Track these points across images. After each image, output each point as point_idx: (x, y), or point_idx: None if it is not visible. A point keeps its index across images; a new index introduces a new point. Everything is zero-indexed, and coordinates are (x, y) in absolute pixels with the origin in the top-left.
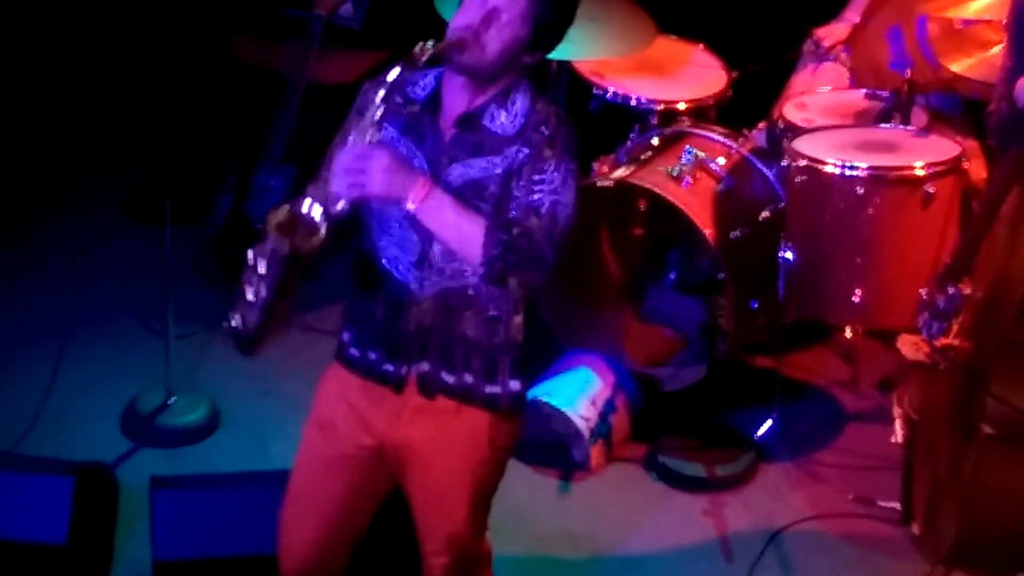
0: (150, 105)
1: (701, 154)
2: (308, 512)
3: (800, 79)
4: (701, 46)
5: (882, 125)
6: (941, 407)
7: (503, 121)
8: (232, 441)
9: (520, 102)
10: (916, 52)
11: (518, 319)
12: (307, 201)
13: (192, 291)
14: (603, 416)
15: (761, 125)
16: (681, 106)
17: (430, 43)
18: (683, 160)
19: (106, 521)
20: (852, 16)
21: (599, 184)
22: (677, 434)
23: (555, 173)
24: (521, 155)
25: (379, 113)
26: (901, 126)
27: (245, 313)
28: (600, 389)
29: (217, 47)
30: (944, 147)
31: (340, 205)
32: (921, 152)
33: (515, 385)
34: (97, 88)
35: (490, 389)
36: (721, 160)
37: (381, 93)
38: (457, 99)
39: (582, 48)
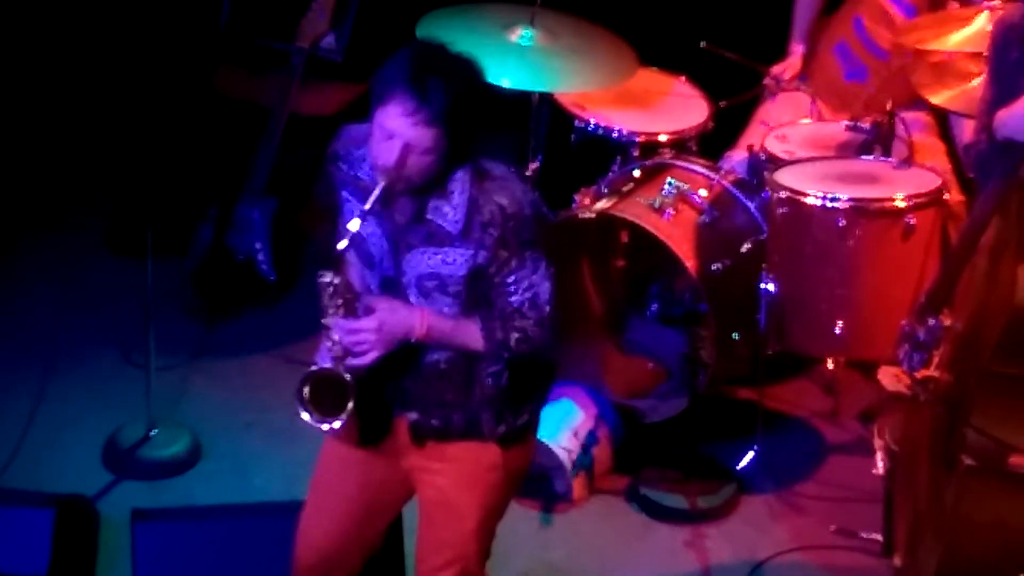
0: (131, 137)
1: (683, 186)
2: (327, 510)
3: (764, 110)
4: (683, 78)
5: (863, 157)
6: (922, 439)
7: (446, 212)
8: (214, 473)
9: (457, 194)
10: (865, 55)
11: (490, 384)
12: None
13: (173, 323)
14: (585, 448)
15: (729, 154)
16: (663, 138)
17: (370, 200)
18: (665, 192)
19: (87, 554)
20: (798, 47)
21: (581, 216)
22: (659, 466)
23: (520, 271)
24: (480, 257)
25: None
26: (882, 158)
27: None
28: (582, 421)
29: (199, 79)
30: (925, 179)
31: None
32: (902, 184)
33: (502, 429)
34: (78, 120)
35: (476, 434)
36: (703, 192)
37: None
38: (377, 175)
39: (564, 80)
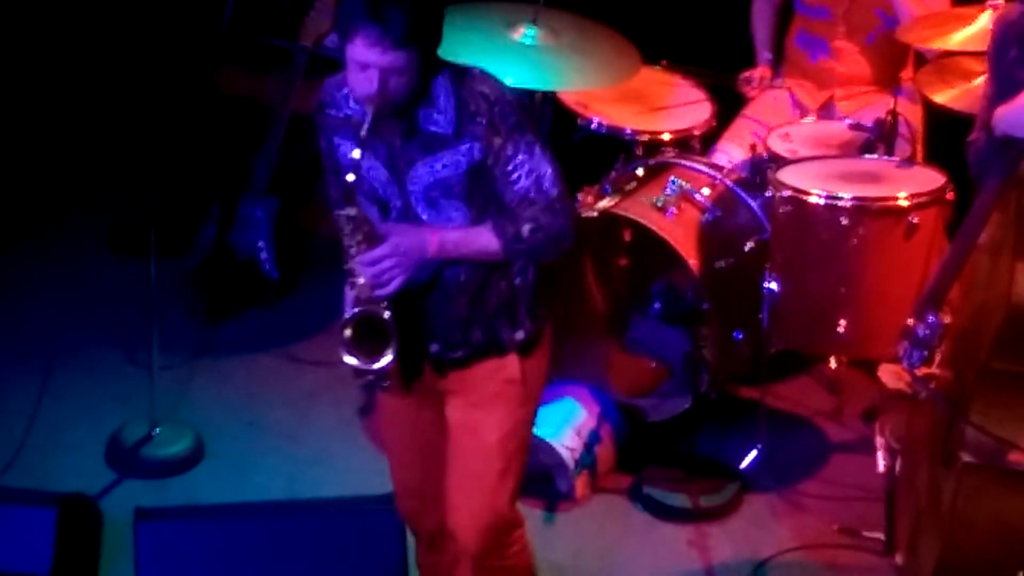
0: (134, 136)
1: (686, 185)
2: (404, 460)
3: (748, 107)
4: (686, 77)
5: (866, 156)
6: (922, 436)
7: (437, 118)
8: (216, 472)
9: (443, 98)
10: (817, 27)
11: (509, 281)
12: (388, 355)
13: (176, 322)
14: (588, 447)
15: (715, 148)
16: (666, 137)
17: (364, 128)
18: (668, 191)
19: (90, 553)
20: (765, 53)
21: (584, 215)
22: (662, 465)
23: (519, 155)
24: (476, 150)
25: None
26: (885, 157)
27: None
28: (585, 420)
29: (201, 78)
30: (928, 177)
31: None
32: (905, 183)
33: (520, 335)
34: (82, 119)
35: (494, 344)
36: (706, 191)
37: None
38: (365, 106)
39: (567, 79)
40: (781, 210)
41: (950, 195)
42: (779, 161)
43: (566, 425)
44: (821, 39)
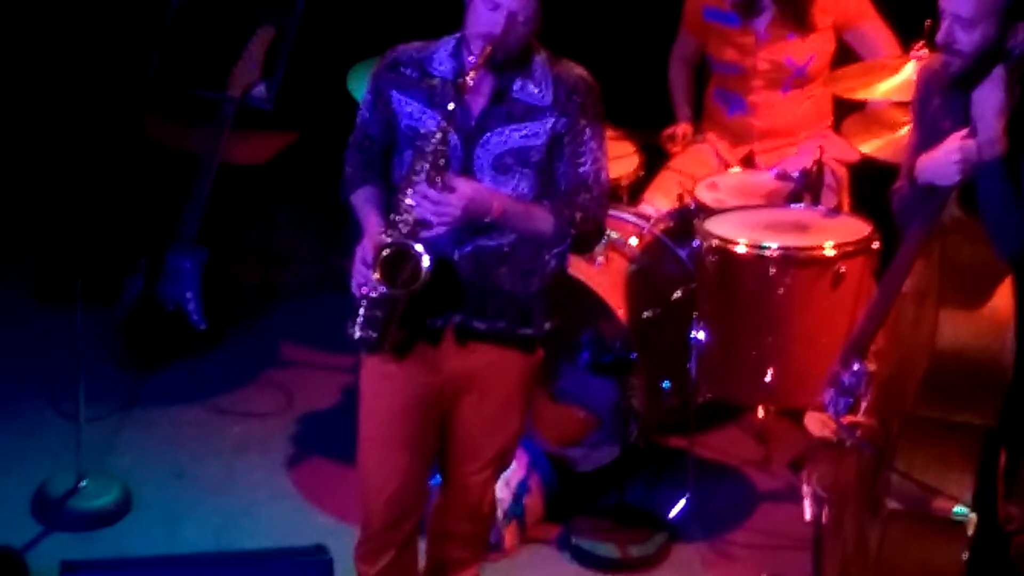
0: (61, 186)
1: (613, 234)
2: (391, 460)
3: (673, 160)
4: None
5: (792, 205)
6: (849, 484)
7: (532, 90)
8: (144, 524)
9: (540, 69)
10: (731, 83)
11: (552, 266)
12: (425, 258)
13: (103, 373)
14: (517, 497)
15: (643, 198)
16: None
17: (470, 75)
18: None
19: None
20: (684, 109)
21: None
22: (591, 515)
23: (592, 141)
24: (560, 124)
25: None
26: (811, 206)
27: (366, 329)
28: (514, 470)
29: (129, 128)
30: (854, 227)
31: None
32: (831, 232)
33: (548, 325)
34: (7, 168)
35: (523, 331)
36: (633, 240)
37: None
38: (481, 76)
39: None
40: (708, 259)
41: (876, 244)
42: (706, 211)
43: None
44: (737, 95)
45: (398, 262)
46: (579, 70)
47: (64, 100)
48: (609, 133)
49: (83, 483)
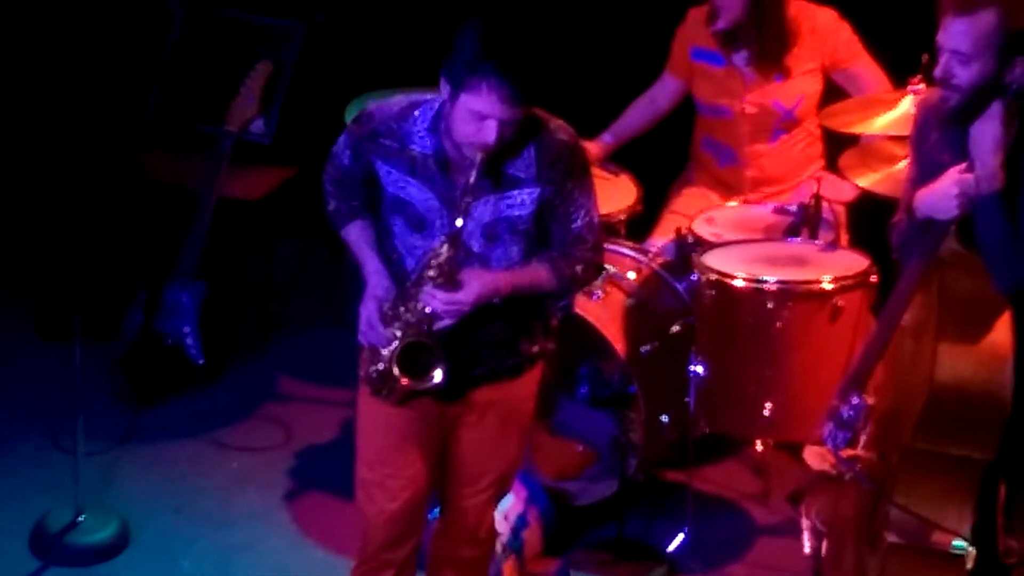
0: (60, 222)
1: (611, 269)
2: (391, 480)
3: (674, 201)
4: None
5: (790, 239)
6: (848, 518)
7: (516, 162)
8: (142, 559)
9: (524, 142)
10: (722, 133)
11: (557, 316)
12: (438, 373)
13: (102, 408)
14: (515, 531)
15: (650, 241)
16: None
17: (472, 177)
18: None
19: None
20: (607, 136)
21: None
22: (589, 549)
23: (581, 197)
24: (547, 192)
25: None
26: (809, 240)
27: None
28: (512, 504)
29: (127, 163)
30: (852, 261)
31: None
32: (829, 266)
33: (536, 348)
34: (7, 205)
35: (515, 361)
36: (631, 275)
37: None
38: (471, 153)
39: None
40: (706, 293)
41: (874, 278)
42: (704, 245)
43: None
44: (727, 146)
45: (416, 352)
46: (560, 135)
47: (63, 136)
48: (602, 173)
49: (81, 518)
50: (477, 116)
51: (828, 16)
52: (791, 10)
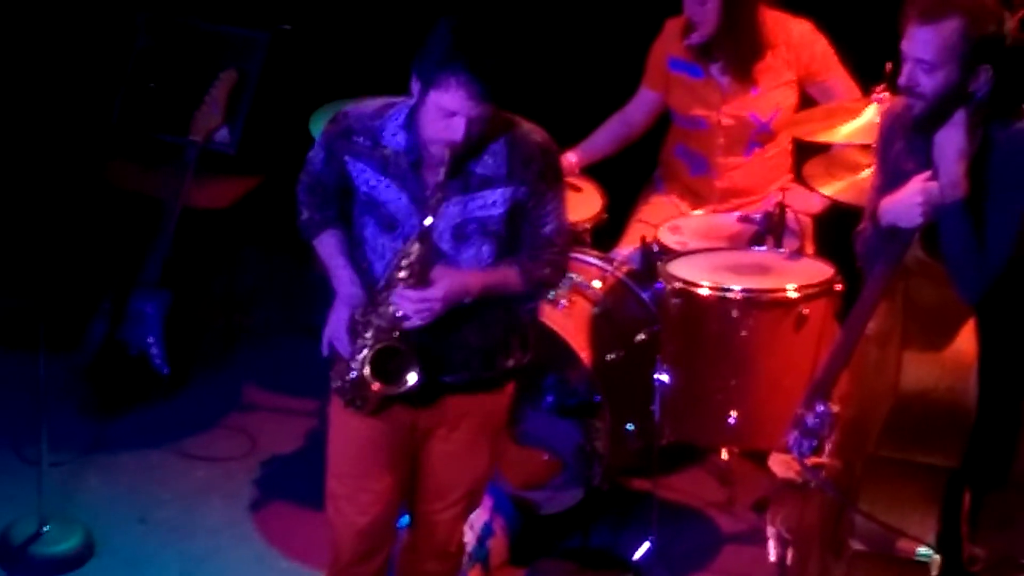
0: (23, 230)
1: (577, 277)
2: (362, 493)
3: (640, 210)
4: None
5: (755, 248)
6: (813, 525)
7: (487, 161)
8: (107, 570)
9: (495, 141)
10: (696, 143)
11: (526, 320)
12: (412, 376)
13: (66, 418)
14: (480, 540)
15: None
16: None
17: (440, 175)
18: None
19: None
20: (571, 155)
21: None
22: (555, 558)
23: (553, 201)
24: (520, 193)
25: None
26: (774, 249)
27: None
28: (477, 513)
29: (91, 172)
30: (816, 269)
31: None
32: (794, 275)
33: (511, 363)
34: None
35: (488, 374)
36: (596, 283)
37: None
38: (438, 151)
39: None
40: (672, 302)
41: (839, 287)
42: (669, 253)
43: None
44: (701, 155)
45: (388, 356)
46: (535, 136)
47: (26, 144)
48: (570, 177)
49: (45, 528)
50: (446, 113)
51: (804, 28)
52: (766, 21)
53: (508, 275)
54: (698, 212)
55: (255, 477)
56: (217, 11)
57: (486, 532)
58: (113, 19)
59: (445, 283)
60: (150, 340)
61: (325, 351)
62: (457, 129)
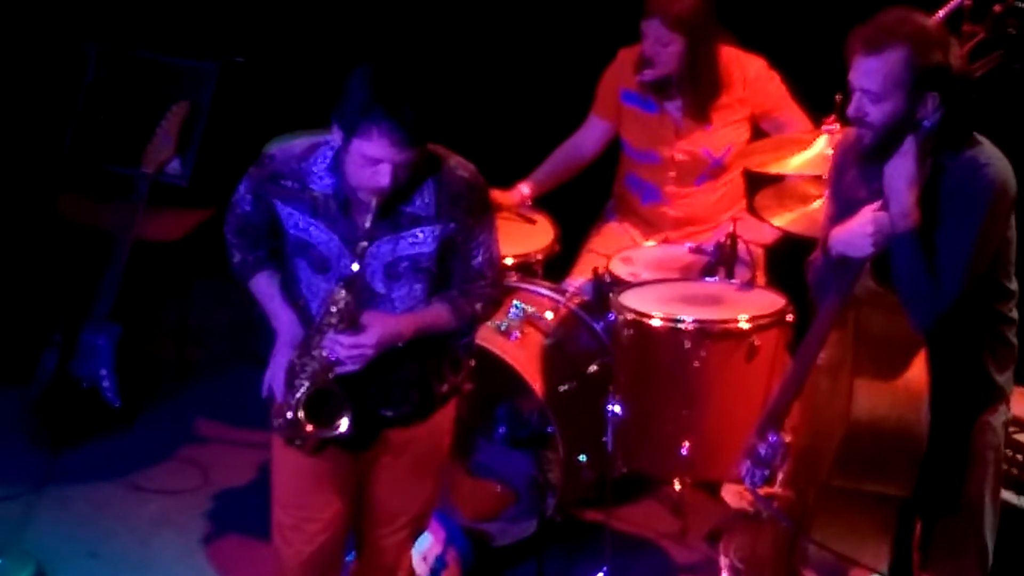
0: None
1: (529, 309)
2: (307, 524)
3: (592, 240)
4: (528, 200)
5: (707, 279)
6: (766, 555)
7: (415, 201)
8: None
9: (423, 180)
10: (646, 171)
11: (461, 354)
12: (344, 421)
13: (17, 451)
14: (434, 572)
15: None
16: (508, 261)
17: (367, 221)
18: (511, 315)
19: None
20: (525, 187)
21: None
22: None
23: (483, 234)
24: (449, 229)
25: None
26: (726, 280)
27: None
28: (430, 545)
29: (42, 205)
30: (768, 300)
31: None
32: (745, 305)
33: (445, 388)
34: None
35: (427, 403)
36: (549, 315)
37: None
38: (366, 197)
39: None
40: (624, 333)
41: (790, 317)
42: (621, 284)
43: (412, 551)
44: (652, 184)
45: (323, 399)
46: (461, 172)
47: None
48: (518, 219)
49: None
50: (370, 161)
51: (758, 65)
52: (723, 59)
53: (439, 314)
54: (650, 242)
55: (208, 509)
56: (168, 43)
57: (439, 564)
58: (63, 51)
59: (377, 329)
60: (102, 373)
61: (264, 392)
62: (383, 176)
